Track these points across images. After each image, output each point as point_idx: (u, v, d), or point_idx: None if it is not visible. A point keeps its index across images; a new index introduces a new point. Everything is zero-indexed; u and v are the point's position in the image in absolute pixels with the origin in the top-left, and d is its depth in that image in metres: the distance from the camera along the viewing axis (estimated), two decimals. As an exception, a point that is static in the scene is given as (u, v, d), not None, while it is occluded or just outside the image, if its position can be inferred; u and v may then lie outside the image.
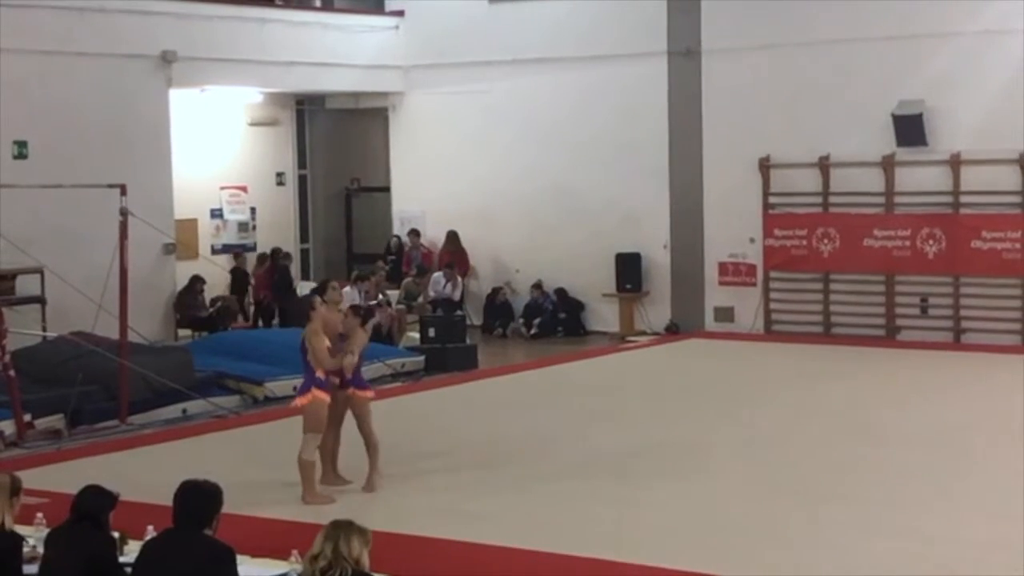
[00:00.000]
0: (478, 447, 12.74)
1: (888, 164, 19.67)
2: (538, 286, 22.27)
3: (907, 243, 19.58)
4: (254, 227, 23.45)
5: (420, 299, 21.51)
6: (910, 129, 19.25)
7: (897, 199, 19.74)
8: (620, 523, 9.98)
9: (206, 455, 12.53)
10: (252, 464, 12.23)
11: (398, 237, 23.82)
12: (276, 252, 22.38)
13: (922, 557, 8.91)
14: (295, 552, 7.36)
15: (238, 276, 22.19)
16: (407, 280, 22.06)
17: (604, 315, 22.17)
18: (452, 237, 22.98)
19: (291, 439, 13.61)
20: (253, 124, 23.77)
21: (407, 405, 15.62)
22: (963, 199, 19.27)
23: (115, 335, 14.98)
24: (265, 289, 22.06)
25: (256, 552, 8.30)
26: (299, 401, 11.09)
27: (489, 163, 22.89)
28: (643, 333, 21.53)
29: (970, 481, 11.12)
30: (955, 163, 19.20)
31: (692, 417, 14.20)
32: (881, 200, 19.85)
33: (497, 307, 22.54)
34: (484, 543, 9.35)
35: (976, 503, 10.39)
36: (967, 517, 9.98)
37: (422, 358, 18.19)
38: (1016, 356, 18.03)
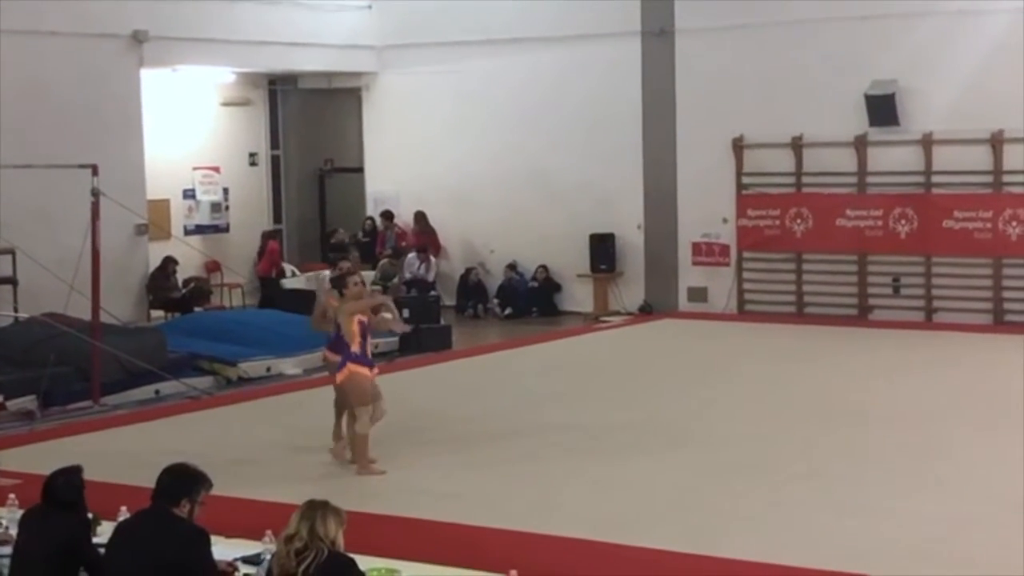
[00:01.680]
0: (452, 427, 12.76)
1: (860, 144, 19.73)
2: (512, 266, 22.27)
3: (879, 223, 19.65)
4: (227, 208, 23.35)
5: (395, 280, 21.49)
6: (882, 109, 19.30)
7: (869, 179, 19.81)
8: (593, 502, 10.02)
9: (179, 436, 12.51)
10: (226, 445, 12.20)
11: (372, 218, 23.78)
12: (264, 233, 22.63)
13: (893, 535, 8.96)
14: (269, 532, 7.36)
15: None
16: (382, 261, 22.03)
17: (578, 295, 22.19)
18: (420, 217, 22.98)
19: (265, 419, 13.67)
20: (225, 104, 23.65)
21: (381, 386, 15.58)
22: (935, 179, 19.35)
23: (87, 316, 14.94)
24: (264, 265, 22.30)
25: (230, 532, 8.29)
26: (338, 378, 11.11)
27: (463, 144, 22.86)
28: (617, 313, 21.57)
29: (941, 459, 11.17)
30: (927, 143, 19.27)
31: (665, 397, 14.24)
32: (853, 180, 19.92)
33: (471, 287, 22.54)
34: (459, 523, 9.37)
35: (947, 481, 10.45)
36: (938, 495, 10.04)
37: (396, 339, 18.15)
38: (987, 335, 18.17)
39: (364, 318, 10.94)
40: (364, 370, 10.96)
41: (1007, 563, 8.27)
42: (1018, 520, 9.25)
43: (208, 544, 6.59)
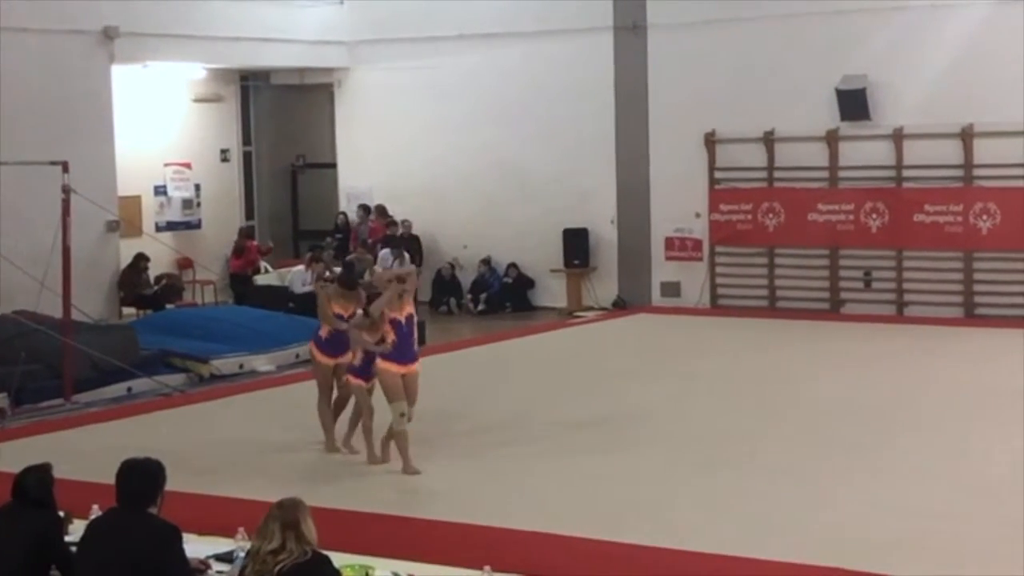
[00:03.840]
0: (426, 423, 12.72)
1: (832, 139, 19.80)
2: (486, 262, 22.27)
3: (851, 217, 19.72)
4: (199, 204, 23.27)
5: (367, 276, 21.32)
6: (854, 104, 19.38)
7: (841, 173, 19.88)
8: (566, 497, 10.02)
9: (152, 434, 12.45)
10: (198, 442, 12.16)
11: (344, 214, 23.74)
12: (240, 230, 22.59)
13: (866, 528, 8.99)
14: (242, 530, 7.34)
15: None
16: (350, 256, 21.80)
17: (552, 290, 22.20)
18: (381, 210, 23.02)
19: (238, 417, 13.63)
20: (197, 100, 23.57)
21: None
22: (906, 173, 19.43)
23: (58, 313, 14.85)
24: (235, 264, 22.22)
25: (203, 530, 8.27)
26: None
27: (436, 139, 22.84)
28: (590, 308, 21.59)
29: (914, 452, 11.21)
30: (898, 137, 19.35)
31: (639, 391, 14.25)
32: (825, 175, 19.99)
33: (445, 283, 22.52)
34: (433, 519, 9.36)
35: (920, 473, 10.49)
36: (910, 487, 10.07)
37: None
38: (958, 329, 18.25)
39: (393, 314, 10.54)
40: (389, 366, 10.54)
41: (980, 553, 8.33)
42: (990, 510, 9.32)
43: (180, 541, 6.56)
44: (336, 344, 11.41)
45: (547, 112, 21.82)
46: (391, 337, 10.54)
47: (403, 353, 10.56)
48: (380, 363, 10.64)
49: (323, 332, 11.58)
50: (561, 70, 21.70)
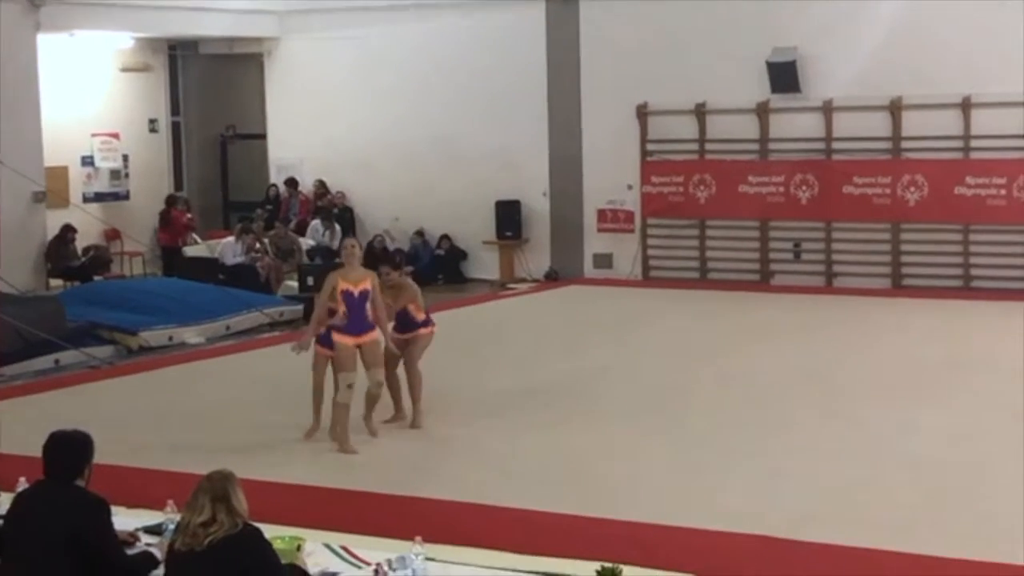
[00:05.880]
0: (358, 395, 12.69)
1: (762, 111, 19.90)
2: (419, 233, 22.22)
3: (781, 189, 19.86)
4: (127, 175, 23.04)
5: (295, 255, 21.06)
6: (783, 76, 19.49)
7: (771, 146, 20.00)
8: (496, 468, 10.04)
9: (80, 406, 12.32)
10: (127, 414, 12.07)
11: (275, 186, 23.59)
12: (169, 198, 22.26)
13: (791, 498, 9.08)
14: (171, 502, 7.29)
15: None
16: (272, 232, 21.51)
17: (484, 262, 22.19)
18: (290, 182, 22.92)
19: (165, 389, 13.52)
20: (124, 70, 23.29)
21: (286, 354, 15.49)
22: (835, 145, 19.58)
23: (-16, 285, 14.67)
24: (162, 235, 21.90)
25: (131, 503, 8.21)
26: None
27: (367, 110, 22.72)
28: (523, 280, 21.62)
29: (840, 421, 11.32)
30: (828, 110, 19.49)
31: (570, 362, 14.29)
32: (756, 147, 20.10)
33: (376, 255, 22.37)
34: (364, 490, 9.35)
35: (845, 443, 10.59)
36: (835, 457, 10.16)
37: (301, 307, 18.05)
38: (886, 299, 18.46)
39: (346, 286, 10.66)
40: (344, 339, 10.68)
41: (903, 524, 8.43)
42: (914, 481, 9.44)
43: (109, 514, 6.51)
44: (355, 324, 10.80)
45: (479, 83, 21.76)
46: (342, 309, 10.62)
47: (356, 325, 10.64)
48: (335, 335, 10.70)
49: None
50: (494, 41, 21.63)
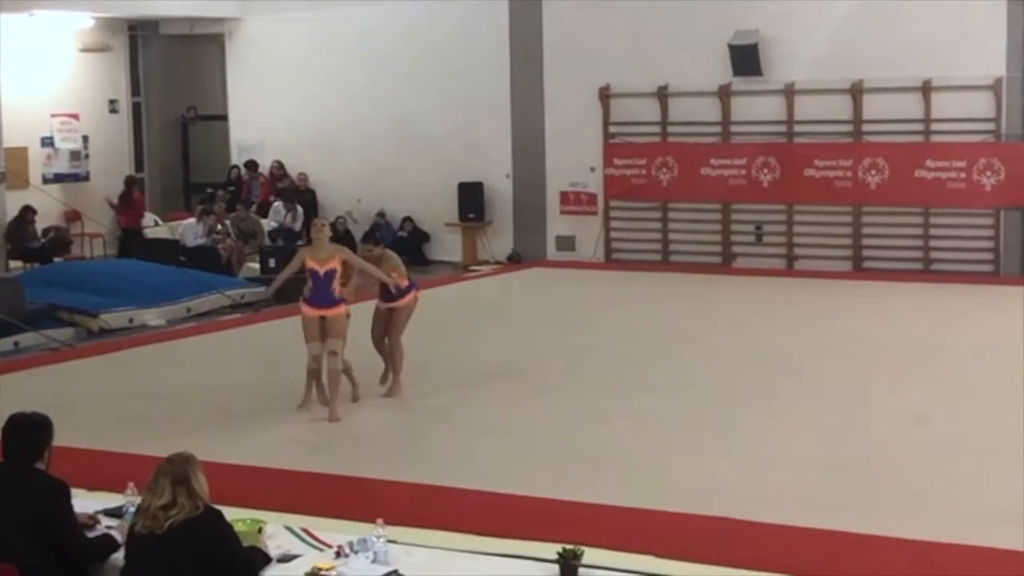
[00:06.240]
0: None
1: (725, 94, 19.95)
2: (381, 215, 22.17)
3: (743, 172, 19.93)
4: (87, 156, 22.89)
5: (257, 237, 20.96)
6: (745, 59, 19.54)
7: (733, 128, 20.07)
8: (461, 449, 10.05)
9: (40, 388, 12.26)
10: (87, 397, 12.00)
11: (237, 167, 23.48)
12: (128, 179, 22.04)
13: (754, 478, 9.13)
14: (131, 485, 7.26)
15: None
16: (233, 215, 21.43)
17: (447, 244, 22.18)
18: (251, 164, 22.88)
19: (126, 371, 13.46)
20: (84, 50, 23.14)
21: (248, 336, 15.49)
22: (797, 128, 19.66)
23: (-58, 267, 14.56)
24: (121, 217, 21.73)
25: (91, 485, 8.17)
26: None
27: (330, 92, 22.64)
28: (486, 263, 21.62)
29: (802, 402, 11.38)
30: (789, 93, 19.56)
31: (533, 345, 14.32)
32: (718, 129, 20.16)
33: (339, 236, 22.33)
34: (327, 472, 9.34)
35: (806, 424, 10.65)
36: (797, 438, 10.22)
37: (262, 289, 17.98)
38: (846, 281, 18.56)
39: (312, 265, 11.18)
40: (307, 310, 11.18)
41: (863, 503, 8.48)
42: (874, 462, 9.50)
43: (68, 497, 6.50)
44: (320, 298, 11.20)
45: (442, 65, 21.72)
46: (308, 285, 11.14)
47: (318, 298, 11.09)
48: (301, 306, 11.19)
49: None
50: (457, 22, 21.60)
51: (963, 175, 18.69)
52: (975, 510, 8.30)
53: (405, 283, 11.98)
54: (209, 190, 22.61)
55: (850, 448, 9.88)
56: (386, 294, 11.89)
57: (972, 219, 18.90)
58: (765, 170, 19.79)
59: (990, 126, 18.62)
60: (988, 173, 18.56)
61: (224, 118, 24.16)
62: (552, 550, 6.80)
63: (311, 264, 11.08)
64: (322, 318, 11.08)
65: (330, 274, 11.06)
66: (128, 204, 21.88)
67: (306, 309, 11.15)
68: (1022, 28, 18.23)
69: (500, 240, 21.82)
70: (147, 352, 14.55)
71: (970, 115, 18.62)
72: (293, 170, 22.98)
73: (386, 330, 11.97)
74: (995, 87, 18.41)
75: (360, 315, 12.07)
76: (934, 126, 18.90)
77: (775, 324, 15.39)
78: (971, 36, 18.35)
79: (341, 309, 11.17)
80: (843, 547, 7.58)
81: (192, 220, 20.55)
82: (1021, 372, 12.40)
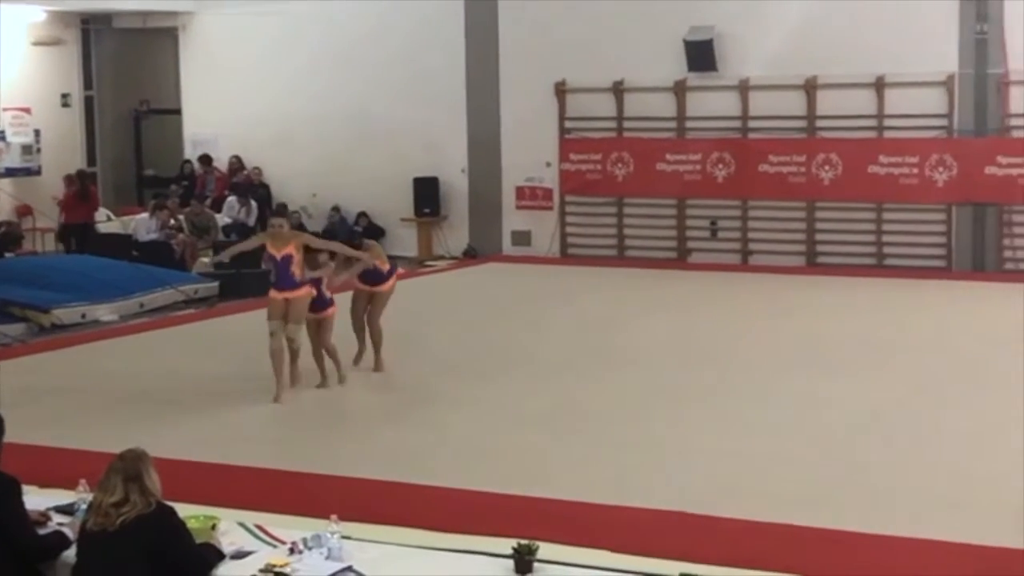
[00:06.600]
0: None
1: (680, 90, 20.00)
2: (336, 210, 22.09)
3: (698, 167, 19.98)
4: (39, 150, 22.68)
5: (211, 232, 20.85)
6: (701, 55, 19.59)
7: (688, 124, 20.12)
8: (413, 446, 10.02)
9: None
10: (39, 393, 11.89)
11: (190, 161, 23.34)
12: (83, 174, 21.81)
13: (708, 473, 9.16)
14: (83, 481, 7.21)
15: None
16: (187, 209, 21.29)
17: (403, 239, 22.12)
18: (205, 159, 22.71)
19: (78, 367, 13.36)
20: (36, 44, 22.94)
21: (201, 332, 15.40)
22: (751, 124, 19.74)
23: None
24: (75, 212, 21.45)
25: (43, 482, 8.10)
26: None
27: (284, 86, 22.54)
28: (441, 258, 21.59)
29: (754, 398, 11.41)
30: (744, 89, 19.63)
31: (489, 340, 14.31)
32: (673, 125, 20.21)
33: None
34: (279, 468, 9.29)
35: (759, 419, 10.68)
36: (750, 433, 10.23)
37: (216, 284, 17.92)
38: (800, 276, 18.64)
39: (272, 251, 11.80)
40: (274, 294, 11.73)
41: (816, 498, 8.53)
42: (830, 457, 9.55)
43: (20, 494, 6.43)
44: (282, 281, 11.75)
45: (398, 59, 21.66)
46: (272, 270, 11.78)
47: (280, 282, 11.67)
48: (271, 290, 11.80)
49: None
50: (412, 17, 21.53)
51: (916, 171, 18.82)
52: (930, 502, 8.36)
53: (386, 267, 12.76)
54: (150, 171, 22.42)
55: (804, 442, 9.91)
56: (368, 277, 12.57)
57: (924, 214, 19.04)
58: (720, 166, 19.86)
59: (943, 122, 18.75)
60: (940, 169, 18.70)
61: (177, 112, 24.01)
62: (507, 545, 6.80)
63: (270, 250, 11.71)
64: (286, 300, 11.61)
65: (287, 259, 11.57)
66: (84, 199, 21.62)
67: (272, 293, 11.72)
68: (974, 25, 18.37)
69: (456, 235, 21.79)
70: (100, 348, 14.44)
71: (923, 111, 18.76)
72: (248, 164, 22.87)
73: (366, 312, 12.66)
74: (947, 83, 18.55)
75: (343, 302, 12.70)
76: (887, 122, 19.02)
77: (729, 319, 15.44)
78: (924, 33, 18.47)
79: (302, 292, 11.68)
80: (798, 540, 7.62)
81: (145, 215, 20.40)
82: (973, 365, 12.53)
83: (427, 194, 21.71)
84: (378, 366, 12.64)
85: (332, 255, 12.23)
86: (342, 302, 12.58)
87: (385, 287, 12.75)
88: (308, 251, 11.81)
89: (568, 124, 20.85)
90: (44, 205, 21.68)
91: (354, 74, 21.99)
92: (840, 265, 19.17)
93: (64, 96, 23.51)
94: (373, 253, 12.70)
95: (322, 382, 11.96)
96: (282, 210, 13.21)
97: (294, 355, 11.78)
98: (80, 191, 21.55)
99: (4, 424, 6.57)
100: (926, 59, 18.47)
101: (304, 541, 6.79)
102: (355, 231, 21.90)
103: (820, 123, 19.36)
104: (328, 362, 12.07)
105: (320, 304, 11.92)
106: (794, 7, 19.04)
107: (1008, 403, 10.89)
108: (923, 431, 10.24)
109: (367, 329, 12.72)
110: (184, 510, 6.62)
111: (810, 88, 19.23)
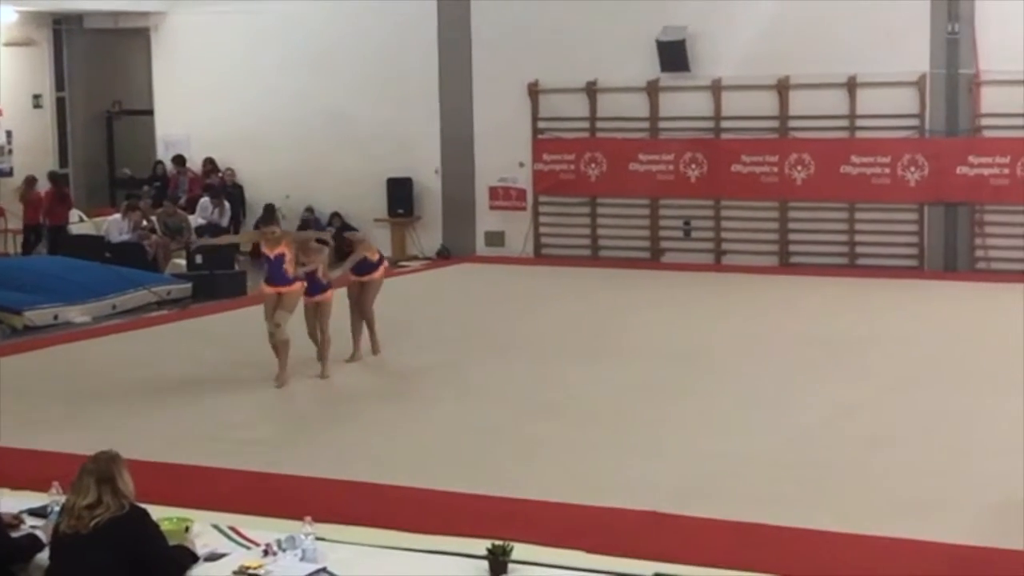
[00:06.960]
0: (247, 374, 12.61)
1: (652, 90, 20.04)
2: (309, 210, 22.05)
3: (671, 168, 20.02)
4: (10, 151, 22.60)
5: (184, 233, 20.77)
6: (673, 55, 19.63)
7: (661, 124, 20.15)
8: (389, 445, 10.02)
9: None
10: (11, 395, 11.83)
11: (162, 163, 23.26)
12: (56, 175, 21.67)
13: (682, 472, 9.18)
14: (56, 484, 7.18)
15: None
16: (160, 210, 21.19)
17: (376, 240, 21.96)
18: (178, 160, 22.63)
19: (50, 369, 13.30)
20: (8, 44, 22.85)
21: (174, 333, 15.35)
22: (724, 124, 19.79)
23: None
24: (48, 214, 21.31)
25: (16, 485, 8.07)
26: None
27: (257, 87, 22.49)
28: (415, 258, 21.57)
29: (724, 397, 11.43)
30: (716, 89, 19.68)
31: (462, 340, 14.31)
32: (646, 125, 20.24)
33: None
34: (255, 470, 9.27)
35: (731, 419, 10.71)
36: (723, 432, 10.26)
37: (189, 285, 17.86)
38: (772, 276, 18.70)
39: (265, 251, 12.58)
40: (266, 288, 12.47)
41: (790, 498, 8.56)
42: (799, 456, 9.59)
43: (-9, 498, 6.40)
44: (275, 278, 12.44)
45: (370, 60, 21.64)
46: (265, 268, 12.56)
47: (273, 278, 12.38)
48: (262, 287, 12.61)
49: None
50: (385, 18, 21.51)
51: (888, 171, 18.90)
52: (903, 501, 8.40)
53: (376, 257, 13.51)
54: (125, 171, 22.36)
55: (778, 442, 9.95)
56: (360, 269, 13.29)
57: (896, 214, 19.12)
58: (693, 166, 19.91)
59: (914, 122, 18.84)
60: (912, 169, 18.78)
61: (150, 113, 23.94)
62: (481, 546, 6.81)
63: (264, 250, 12.51)
64: (279, 295, 12.28)
65: (279, 258, 12.29)
66: (61, 200, 21.48)
67: (265, 288, 12.46)
68: (945, 25, 18.46)
69: (429, 236, 21.78)
70: (72, 349, 14.38)
71: (895, 111, 18.84)
72: (221, 165, 22.81)
73: (359, 301, 13.33)
74: (919, 83, 18.63)
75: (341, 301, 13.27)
76: (859, 122, 19.10)
77: (703, 319, 15.48)
78: (895, 33, 18.55)
79: (295, 287, 12.36)
80: (772, 540, 7.65)
81: (117, 216, 20.32)
82: (946, 364, 12.60)
83: (401, 195, 21.69)
84: (375, 348, 13.41)
85: (322, 241, 13.21)
86: (340, 302, 13.16)
87: (376, 275, 13.44)
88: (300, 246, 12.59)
89: (541, 124, 20.86)
90: (16, 207, 21.59)
91: (327, 75, 21.95)
92: (813, 265, 19.24)
93: (36, 97, 23.43)
94: (364, 246, 13.54)
95: (322, 373, 12.51)
96: (272, 215, 13.77)
97: (285, 344, 12.28)
98: (58, 193, 21.40)
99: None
100: (898, 59, 18.55)
101: (278, 543, 6.79)
102: (328, 231, 21.90)
103: (792, 123, 19.43)
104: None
105: (316, 289, 12.57)
106: (766, 7, 19.10)
107: (980, 402, 10.96)
108: (896, 430, 10.28)
109: (363, 323, 13.38)
110: (157, 512, 6.61)
111: (782, 88, 19.30)
